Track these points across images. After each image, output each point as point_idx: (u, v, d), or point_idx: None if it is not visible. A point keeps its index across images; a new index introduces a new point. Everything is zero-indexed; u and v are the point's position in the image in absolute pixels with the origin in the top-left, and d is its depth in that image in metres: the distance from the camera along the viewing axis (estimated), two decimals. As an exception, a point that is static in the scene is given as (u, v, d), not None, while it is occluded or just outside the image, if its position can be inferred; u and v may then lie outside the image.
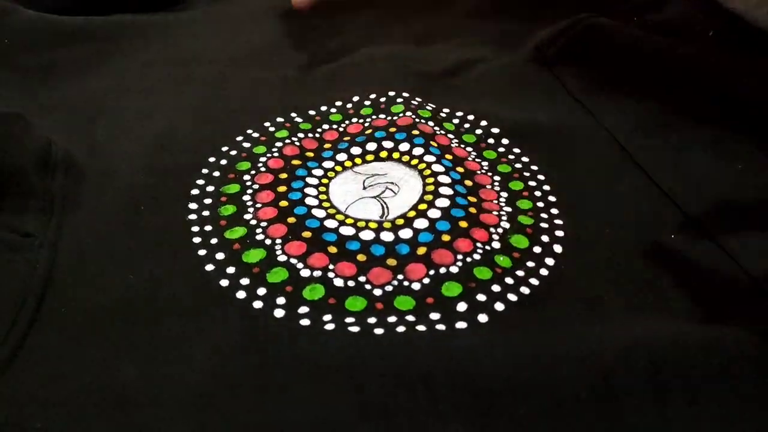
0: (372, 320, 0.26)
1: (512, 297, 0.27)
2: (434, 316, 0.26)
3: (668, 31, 0.42)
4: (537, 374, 0.23)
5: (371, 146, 0.35)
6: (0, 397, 0.22)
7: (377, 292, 0.27)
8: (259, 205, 0.31)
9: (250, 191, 0.32)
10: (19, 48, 0.41)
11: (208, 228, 0.30)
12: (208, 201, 0.32)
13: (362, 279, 0.28)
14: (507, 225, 0.31)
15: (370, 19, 0.49)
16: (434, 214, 0.31)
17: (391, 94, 0.39)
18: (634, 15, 0.45)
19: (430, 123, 0.37)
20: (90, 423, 0.22)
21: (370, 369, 0.24)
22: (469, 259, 0.28)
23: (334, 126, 0.37)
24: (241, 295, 0.27)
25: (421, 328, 0.25)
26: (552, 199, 0.32)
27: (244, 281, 0.27)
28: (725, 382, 0.23)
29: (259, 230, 0.30)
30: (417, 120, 0.36)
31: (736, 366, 0.23)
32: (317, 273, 0.28)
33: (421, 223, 0.30)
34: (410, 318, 0.26)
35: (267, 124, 0.37)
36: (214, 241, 0.29)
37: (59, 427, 0.22)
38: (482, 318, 0.26)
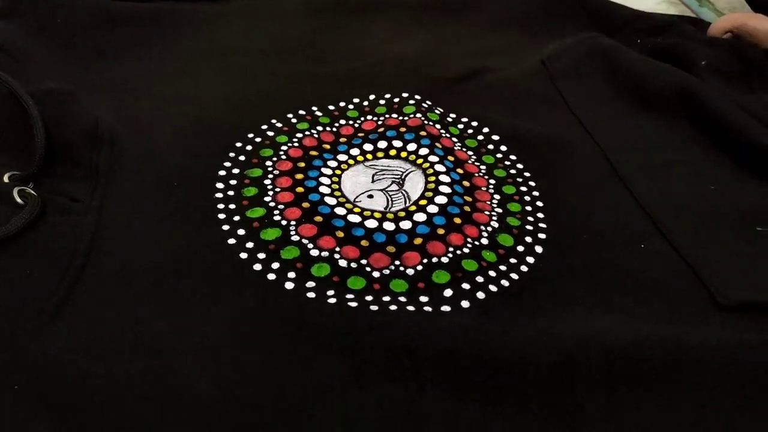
0: (369, 298, 0.30)
1: (493, 288, 0.31)
2: (423, 298, 0.30)
3: (666, 56, 0.45)
4: (507, 354, 0.27)
5: (382, 144, 0.39)
6: (52, 337, 0.27)
7: (376, 274, 0.31)
8: (278, 189, 0.35)
9: (271, 176, 0.36)
10: (74, 29, 0.45)
11: (231, 206, 0.34)
12: (233, 182, 0.36)
13: (364, 262, 0.32)
14: (496, 224, 0.34)
15: (394, 20, 0.52)
16: (432, 209, 0.34)
17: (405, 95, 0.43)
18: (637, 37, 0.49)
19: (437, 126, 0.40)
20: (126, 364, 0.26)
21: (364, 341, 0.28)
22: (459, 252, 0.32)
23: (351, 122, 0.41)
24: (257, 267, 0.31)
25: (410, 308, 0.29)
26: (539, 204, 0.36)
27: (261, 255, 0.31)
28: (671, 377, 0.27)
29: (276, 212, 0.34)
30: (426, 122, 0.40)
31: (682, 362, 0.27)
32: (325, 254, 0.32)
33: (420, 217, 0.34)
34: (402, 299, 0.30)
35: (290, 115, 0.41)
36: (236, 218, 0.33)
37: (101, 365, 0.26)
38: (465, 304, 0.30)
